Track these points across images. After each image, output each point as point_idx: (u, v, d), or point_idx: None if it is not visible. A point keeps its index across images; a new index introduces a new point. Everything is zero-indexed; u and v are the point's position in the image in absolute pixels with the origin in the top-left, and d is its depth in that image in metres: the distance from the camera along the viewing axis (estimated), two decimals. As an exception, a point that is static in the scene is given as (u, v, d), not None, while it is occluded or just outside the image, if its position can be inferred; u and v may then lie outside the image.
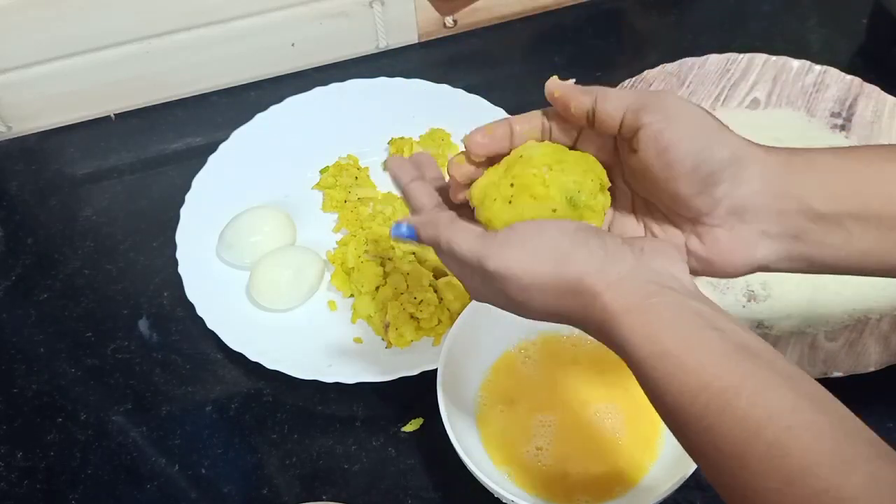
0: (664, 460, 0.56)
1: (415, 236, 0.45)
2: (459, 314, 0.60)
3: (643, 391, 0.39)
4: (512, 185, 0.43)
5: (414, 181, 0.47)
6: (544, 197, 0.42)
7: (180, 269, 0.69)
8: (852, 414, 0.35)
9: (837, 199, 0.42)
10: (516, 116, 0.45)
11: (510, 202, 0.43)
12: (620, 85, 0.76)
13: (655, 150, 0.41)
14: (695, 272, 0.44)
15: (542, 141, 0.45)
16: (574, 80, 0.44)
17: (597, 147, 0.45)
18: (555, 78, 0.44)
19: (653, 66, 0.78)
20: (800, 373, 0.37)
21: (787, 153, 0.43)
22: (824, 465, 0.33)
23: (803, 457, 0.33)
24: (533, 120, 0.45)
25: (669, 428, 0.39)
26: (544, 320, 0.43)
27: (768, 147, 0.43)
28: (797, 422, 0.34)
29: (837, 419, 0.35)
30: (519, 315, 0.44)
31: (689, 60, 0.79)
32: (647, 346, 0.37)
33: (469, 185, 0.45)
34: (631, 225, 0.46)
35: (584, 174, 0.43)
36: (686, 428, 0.37)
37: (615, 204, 0.47)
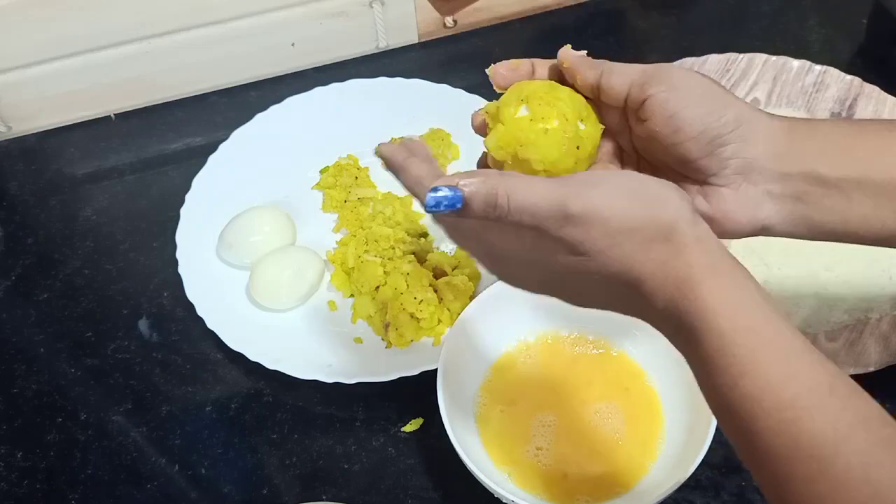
0: (664, 461, 0.56)
1: (460, 198, 0.36)
2: (459, 314, 0.60)
3: (704, 369, 0.35)
4: (525, 99, 0.43)
5: (409, 158, 0.42)
6: (555, 98, 0.43)
7: (180, 269, 0.69)
8: None
9: (839, 165, 0.42)
10: (540, 60, 0.46)
11: (531, 119, 0.42)
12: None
13: (662, 117, 0.41)
14: None
15: None
16: (586, 52, 0.45)
17: (606, 109, 0.45)
18: (567, 47, 0.44)
19: (653, 66, 0.78)
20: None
21: (790, 120, 0.44)
22: None
23: (893, 472, 0.31)
24: (554, 65, 0.46)
25: (728, 420, 0.35)
26: (593, 293, 0.39)
27: (771, 114, 0.44)
28: (890, 435, 0.32)
29: None
30: (572, 294, 0.39)
31: (688, 60, 0.79)
32: (735, 316, 0.34)
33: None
34: None
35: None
36: (760, 420, 0.33)
37: (623, 167, 0.47)
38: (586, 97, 0.45)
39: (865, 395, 0.34)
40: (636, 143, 0.46)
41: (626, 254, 0.36)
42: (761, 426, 0.33)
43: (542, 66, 0.46)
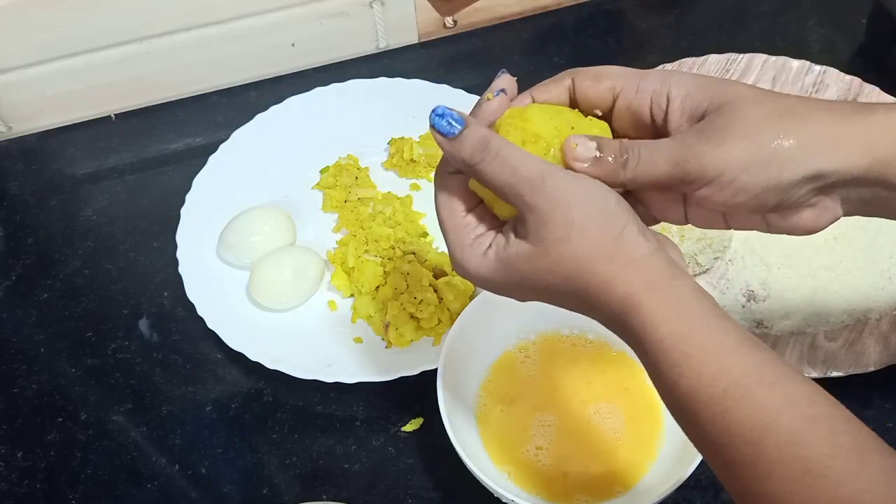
0: (664, 460, 0.56)
1: (461, 123, 0.40)
2: (459, 314, 0.60)
3: (651, 374, 0.38)
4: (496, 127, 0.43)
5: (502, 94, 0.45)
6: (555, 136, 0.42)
7: (180, 269, 0.69)
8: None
9: None
10: (536, 87, 0.46)
11: (523, 143, 0.41)
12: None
13: (714, 204, 0.41)
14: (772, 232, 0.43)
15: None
16: (595, 153, 0.41)
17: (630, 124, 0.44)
18: (573, 150, 0.41)
19: (653, 66, 0.78)
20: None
21: (856, 135, 0.40)
22: (841, 457, 0.33)
23: (821, 446, 0.33)
24: (558, 86, 0.45)
25: (677, 416, 0.38)
26: (550, 291, 0.40)
27: (840, 132, 0.40)
28: (816, 413, 0.34)
29: (850, 414, 0.35)
30: (533, 280, 0.40)
31: (688, 60, 0.79)
32: (669, 325, 0.37)
33: None
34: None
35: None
36: (700, 414, 0.36)
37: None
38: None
39: (797, 378, 0.36)
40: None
41: (574, 255, 0.38)
42: (702, 418, 0.36)
43: (546, 96, 0.45)
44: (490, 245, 0.41)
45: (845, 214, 0.43)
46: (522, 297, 0.43)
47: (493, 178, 0.39)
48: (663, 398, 0.39)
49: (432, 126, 0.41)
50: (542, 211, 0.38)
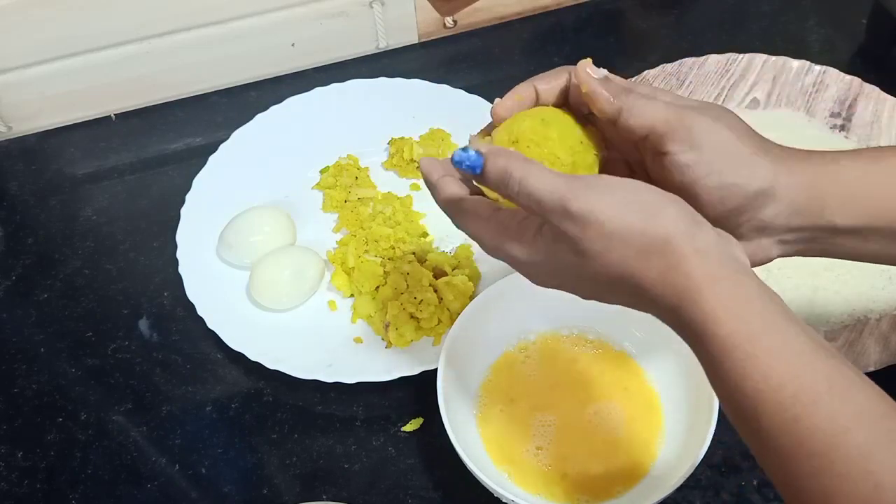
0: (664, 460, 0.56)
1: (480, 165, 0.40)
2: (459, 314, 0.60)
3: (711, 374, 0.37)
4: (515, 141, 0.43)
5: (443, 178, 0.44)
6: (545, 138, 0.42)
7: (180, 269, 0.69)
8: None
9: (858, 216, 0.42)
10: (543, 81, 0.45)
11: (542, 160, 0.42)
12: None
13: (681, 179, 0.41)
14: None
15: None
16: (605, 73, 0.43)
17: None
18: (586, 64, 0.43)
19: (653, 67, 0.78)
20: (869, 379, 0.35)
21: (815, 169, 0.43)
22: None
23: (893, 462, 0.32)
24: (557, 79, 0.45)
25: (738, 420, 0.36)
26: (603, 292, 0.40)
27: (796, 164, 0.42)
28: (889, 426, 0.33)
29: None
30: (576, 288, 0.40)
31: (688, 60, 0.79)
32: (734, 322, 0.35)
33: None
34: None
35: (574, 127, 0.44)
36: (764, 419, 0.34)
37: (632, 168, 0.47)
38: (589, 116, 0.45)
39: (867, 386, 0.34)
40: (649, 168, 0.45)
41: (623, 260, 0.37)
42: (766, 425, 0.34)
43: (547, 86, 0.45)
44: (540, 228, 0.40)
45: (780, 255, 0.44)
46: (572, 291, 0.42)
47: (523, 206, 0.39)
48: (722, 401, 0.37)
49: (457, 168, 0.41)
50: (573, 234, 0.38)
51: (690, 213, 0.38)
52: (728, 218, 0.42)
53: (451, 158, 0.40)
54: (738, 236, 0.42)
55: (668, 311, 0.38)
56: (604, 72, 0.43)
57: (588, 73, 0.43)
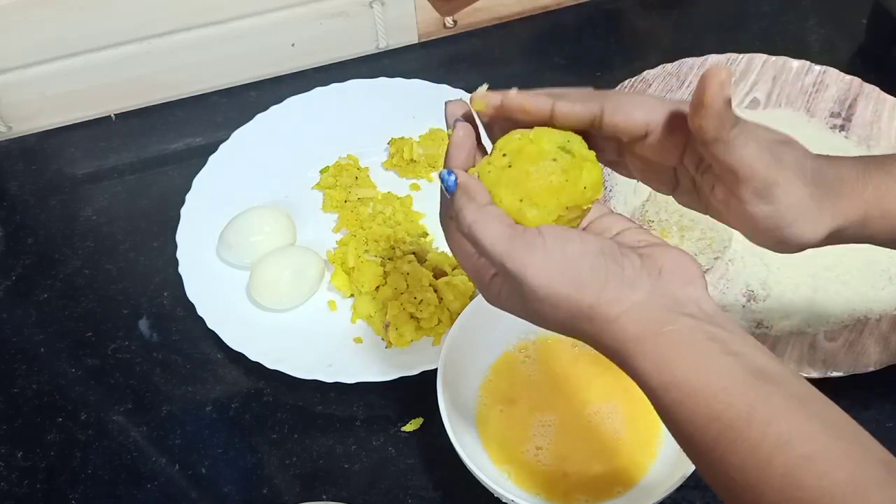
0: (664, 460, 0.56)
1: (450, 191, 0.42)
2: (459, 314, 0.60)
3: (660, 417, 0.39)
4: (504, 154, 0.42)
5: (459, 122, 0.43)
6: (538, 153, 0.41)
7: (180, 269, 0.69)
8: (865, 432, 0.35)
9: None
10: (564, 94, 0.43)
11: (509, 166, 0.41)
12: (620, 86, 0.76)
13: (741, 218, 0.42)
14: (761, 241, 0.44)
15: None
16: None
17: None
18: (719, 80, 0.39)
19: (653, 67, 0.78)
20: (813, 393, 0.36)
21: (865, 204, 0.44)
22: (838, 495, 0.33)
23: (818, 486, 0.33)
24: (588, 106, 0.43)
25: (687, 455, 0.38)
26: (555, 331, 0.42)
27: (851, 201, 0.44)
28: (810, 450, 0.34)
29: (850, 442, 0.34)
30: (529, 321, 0.43)
31: (688, 61, 0.79)
32: (659, 375, 0.37)
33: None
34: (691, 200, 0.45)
35: (565, 134, 0.43)
36: (700, 457, 0.37)
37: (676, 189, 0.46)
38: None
39: (795, 414, 0.35)
40: (696, 181, 0.44)
41: (556, 319, 0.40)
42: (702, 462, 0.37)
43: (570, 110, 0.42)
44: (500, 286, 0.42)
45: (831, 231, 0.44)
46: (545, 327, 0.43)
47: (472, 242, 0.41)
48: (674, 437, 0.39)
49: (442, 184, 0.43)
50: (511, 285, 0.40)
51: (619, 278, 0.39)
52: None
53: (441, 174, 0.42)
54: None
55: (607, 358, 0.40)
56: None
57: (717, 88, 0.39)
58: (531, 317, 0.42)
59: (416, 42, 0.90)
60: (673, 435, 0.38)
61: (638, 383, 0.39)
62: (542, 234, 0.39)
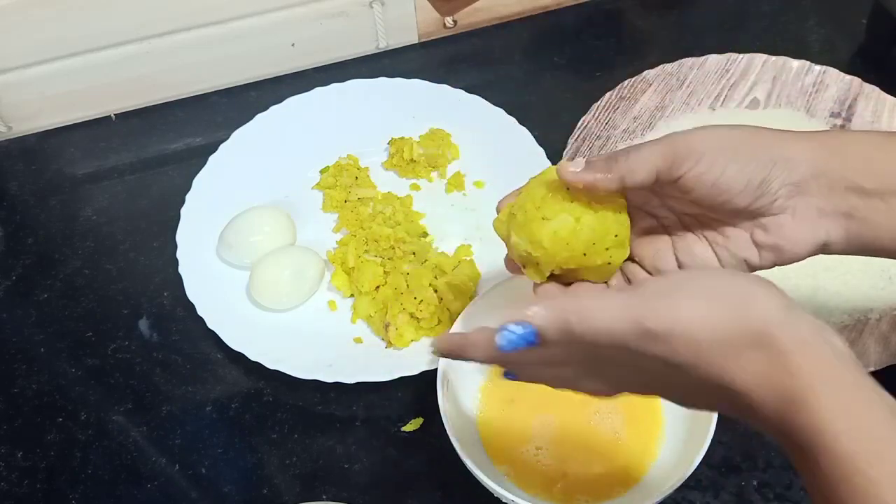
0: (664, 460, 0.56)
1: (533, 336, 0.35)
2: (459, 314, 0.60)
3: (816, 491, 0.32)
4: (538, 207, 0.45)
5: (465, 341, 0.40)
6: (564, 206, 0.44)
7: (180, 269, 0.69)
8: None
9: (879, 177, 0.43)
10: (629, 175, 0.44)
11: (543, 218, 0.44)
12: (620, 86, 0.76)
13: (703, 188, 0.43)
14: (765, 264, 0.45)
15: None
16: (583, 160, 0.44)
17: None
18: (566, 166, 0.43)
19: (653, 67, 0.78)
20: None
21: (820, 136, 0.44)
22: None
23: None
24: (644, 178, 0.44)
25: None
26: (694, 398, 0.37)
27: (800, 133, 0.44)
28: None
29: None
30: (680, 399, 0.38)
31: (688, 61, 0.79)
32: (855, 439, 0.30)
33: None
34: (692, 242, 0.47)
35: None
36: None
37: (669, 231, 0.48)
38: None
39: None
40: (673, 206, 0.46)
41: (720, 366, 0.33)
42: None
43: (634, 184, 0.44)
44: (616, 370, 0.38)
45: (836, 245, 0.45)
46: (662, 396, 0.40)
47: (589, 342, 0.36)
48: (820, 497, 0.32)
49: (507, 349, 0.37)
50: (660, 353, 0.34)
51: (781, 294, 0.34)
52: (763, 194, 0.43)
53: (500, 347, 0.35)
54: (779, 211, 0.43)
55: (769, 418, 0.33)
56: (581, 160, 0.43)
57: (573, 171, 0.43)
58: (674, 380, 0.35)
59: (416, 42, 0.90)
60: (832, 492, 0.31)
61: (806, 440, 0.31)
62: (665, 276, 0.38)
